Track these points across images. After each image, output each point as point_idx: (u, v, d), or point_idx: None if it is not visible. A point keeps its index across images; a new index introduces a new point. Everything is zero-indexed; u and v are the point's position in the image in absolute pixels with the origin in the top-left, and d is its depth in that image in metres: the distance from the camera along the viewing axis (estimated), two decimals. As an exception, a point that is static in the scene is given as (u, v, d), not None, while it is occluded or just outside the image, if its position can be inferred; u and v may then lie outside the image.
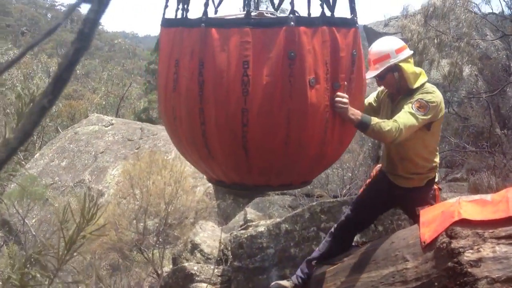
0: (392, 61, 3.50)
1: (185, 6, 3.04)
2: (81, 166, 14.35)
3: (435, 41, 8.90)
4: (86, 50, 0.65)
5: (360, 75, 3.12)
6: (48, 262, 1.28)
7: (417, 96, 3.44)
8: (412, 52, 3.66)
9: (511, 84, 8.44)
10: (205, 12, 2.80)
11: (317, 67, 2.78)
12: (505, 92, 8.67)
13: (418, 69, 3.62)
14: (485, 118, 7.51)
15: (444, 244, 2.71)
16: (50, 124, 24.25)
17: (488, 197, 2.87)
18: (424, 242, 2.88)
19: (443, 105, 3.56)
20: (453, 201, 2.96)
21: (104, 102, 28.03)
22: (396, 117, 3.32)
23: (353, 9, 3.09)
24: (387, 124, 3.24)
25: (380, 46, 3.59)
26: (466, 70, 8.77)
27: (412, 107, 3.35)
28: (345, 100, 2.95)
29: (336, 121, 2.98)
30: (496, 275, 2.49)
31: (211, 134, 2.86)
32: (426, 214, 3.08)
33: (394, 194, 3.67)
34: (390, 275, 2.98)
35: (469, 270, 2.55)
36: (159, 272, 7.62)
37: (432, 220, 2.95)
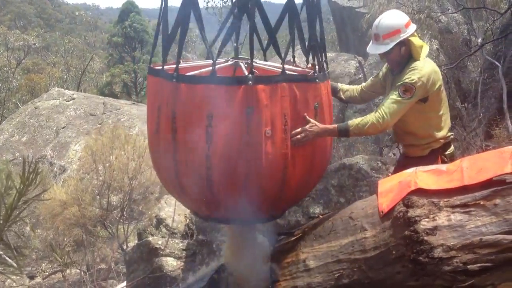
0: (403, 36, 3.57)
1: (165, 57, 3.46)
2: (42, 142, 14.05)
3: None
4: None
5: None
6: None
7: (404, 77, 3.51)
8: (416, 26, 3.74)
9: (470, 57, 8.59)
10: (177, 69, 3.21)
11: (274, 119, 3.08)
12: (466, 66, 8.84)
13: (422, 43, 3.69)
14: (445, 92, 7.64)
15: (401, 213, 2.77)
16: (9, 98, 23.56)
17: (443, 167, 2.93)
18: (382, 212, 2.93)
19: (436, 76, 3.58)
20: (410, 171, 3.02)
21: (65, 76, 27.29)
22: (380, 106, 3.44)
23: (315, 65, 3.43)
24: (367, 120, 3.40)
25: (390, 20, 3.62)
26: (428, 44, 8.88)
27: (399, 93, 3.45)
28: (304, 133, 3.22)
29: (297, 164, 3.26)
30: (452, 243, 2.56)
31: (182, 175, 3.27)
32: (384, 184, 3.13)
33: (404, 165, 3.72)
34: (349, 245, 3.04)
35: (425, 238, 2.61)
36: (124, 247, 7.59)
37: (389, 190, 3.00)
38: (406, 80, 3.47)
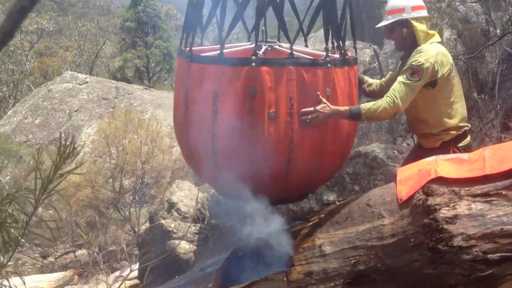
0: (405, 16, 3.61)
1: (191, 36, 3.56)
2: (55, 124, 14.13)
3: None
4: None
5: None
6: (26, 200, 1.27)
7: (411, 60, 3.51)
8: (427, 15, 3.74)
9: (489, 48, 8.49)
10: (190, 50, 3.41)
11: (279, 102, 3.10)
12: (484, 57, 8.73)
13: (431, 31, 3.69)
14: (463, 82, 7.57)
15: (420, 201, 2.75)
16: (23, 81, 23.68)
17: (465, 156, 2.90)
18: (401, 200, 2.91)
19: (445, 59, 3.56)
20: (430, 160, 2.99)
21: (79, 60, 27.35)
22: (390, 90, 3.42)
23: (327, 49, 3.37)
24: (379, 104, 3.37)
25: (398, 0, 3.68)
26: (446, 33, 8.78)
27: (406, 76, 3.44)
28: (314, 114, 3.20)
29: (305, 149, 3.26)
30: (472, 232, 2.54)
31: (194, 152, 3.42)
32: (403, 172, 3.11)
33: (417, 155, 3.70)
34: (366, 231, 3.02)
35: (445, 226, 2.59)
36: (136, 229, 7.64)
37: (408, 178, 2.98)
38: (413, 63, 3.47)
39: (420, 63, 3.44)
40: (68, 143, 1.20)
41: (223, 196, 3.87)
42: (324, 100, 3.23)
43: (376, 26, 3.87)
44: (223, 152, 3.20)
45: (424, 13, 3.68)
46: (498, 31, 8.98)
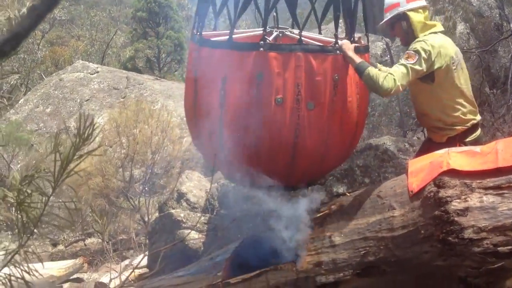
0: (401, 9, 3.61)
1: (200, 23, 3.65)
2: (66, 113, 14.20)
3: (430, -6, 8.79)
4: None
5: (344, 97, 3.36)
6: (45, 181, 1.29)
7: (409, 47, 3.51)
8: (424, 4, 3.70)
9: (502, 43, 8.41)
10: (200, 34, 3.52)
11: (286, 88, 3.11)
12: (496, 52, 8.64)
13: (431, 22, 3.68)
14: (475, 77, 7.52)
15: (432, 193, 2.75)
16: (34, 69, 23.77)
17: (477, 148, 2.90)
18: (412, 192, 2.92)
19: (443, 51, 3.51)
20: (442, 152, 2.99)
21: (90, 49, 27.40)
22: (388, 71, 3.36)
23: (336, 36, 3.38)
24: (382, 76, 3.24)
25: None
26: (460, 27, 8.71)
27: (402, 58, 3.44)
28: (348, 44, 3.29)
29: (312, 136, 3.27)
30: (483, 224, 2.54)
31: (202, 133, 3.47)
32: (414, 164, 3.11)
33: (427, 148, 3.69)
34: (377, 223, 3.03)
35: (456, 218, 2.60)
36: (146, 219, 7.69)
37: (420, 170, 2.98)
38: (411, 48, 3.47)
39: (415, 49, 3.43)
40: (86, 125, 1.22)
41: (231, 181, 3.92)
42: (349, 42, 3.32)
43: (377, 26, 3.87)
44: (230, 137, 3.22)
45: (420, 3, 3.65)
46: (511, 25, 8.89)
